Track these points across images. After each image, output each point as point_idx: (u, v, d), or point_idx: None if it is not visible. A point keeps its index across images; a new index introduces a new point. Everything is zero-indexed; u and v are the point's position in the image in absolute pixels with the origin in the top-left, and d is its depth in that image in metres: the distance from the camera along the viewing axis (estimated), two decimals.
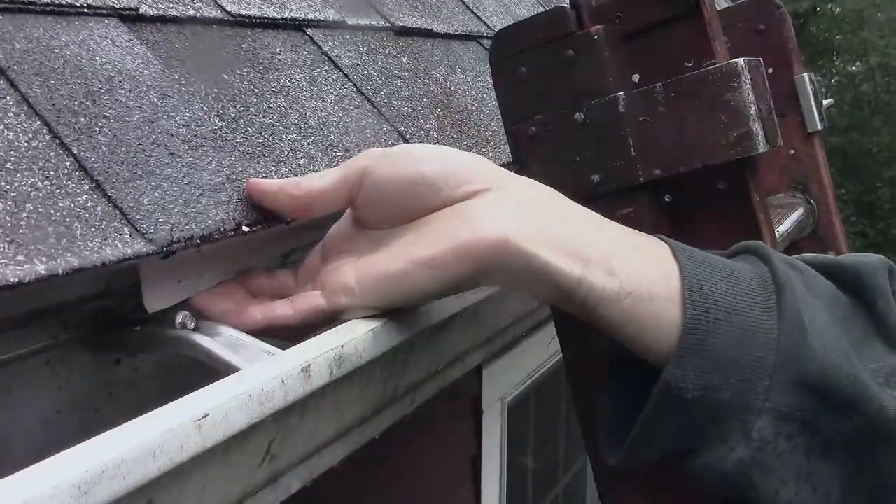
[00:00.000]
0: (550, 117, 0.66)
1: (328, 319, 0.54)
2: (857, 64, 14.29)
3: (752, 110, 0.61)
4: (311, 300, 0.55)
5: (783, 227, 1.05)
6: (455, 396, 1.60)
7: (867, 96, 13.90)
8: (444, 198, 0.52)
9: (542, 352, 1.86)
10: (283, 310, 0.55)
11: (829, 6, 14.69)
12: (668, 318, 0.49)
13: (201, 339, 0.53)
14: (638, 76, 0.66)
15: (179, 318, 0.54)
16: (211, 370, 0.52)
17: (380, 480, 1.36)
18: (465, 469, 1.76)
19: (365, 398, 0.57)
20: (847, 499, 0.50)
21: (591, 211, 0.54)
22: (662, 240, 0.53)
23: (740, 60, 0.61)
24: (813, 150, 1.16)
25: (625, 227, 0.54)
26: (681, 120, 0.63)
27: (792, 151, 1.16)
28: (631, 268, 0.50)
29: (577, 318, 0.52)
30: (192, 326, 0.54)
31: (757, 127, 0.61)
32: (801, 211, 1.15)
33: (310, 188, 0.57)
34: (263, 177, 0.62)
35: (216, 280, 0.60)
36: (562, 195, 0.55)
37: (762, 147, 0.61)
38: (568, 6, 0.66)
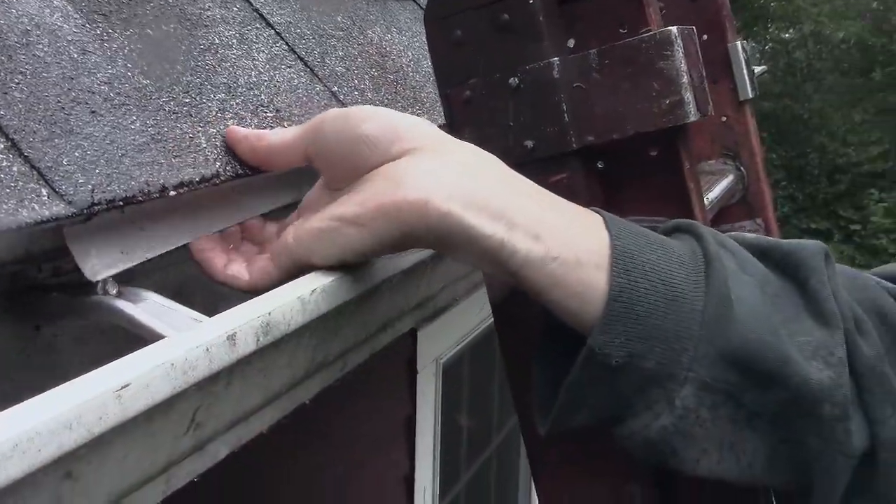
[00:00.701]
0: (485, 82, 0.66)
1: (278, 280, 0.54)
2: (791, 31, 14.52)
3: (685, 79, 0.61)
4: (261, 263, 0.56)
5: (713, 194, 1.07)
6: (389, 358, 1.60)
7: (800, 63, 14.15)
8: (380, 156, 0.52)
9: (476, 313, 1.87)
10: (242, 273, 0.57)
11: None
12: (594, 284, 0.49)
13: (124, 306, 0.52)
14: (573, 41, 0.66)
15: (101, 284, 0.53)
16: (136, 335, 0.51)
17: (312, 443, 1.36)
18: (400, 429, 1.77)
19: (294, 365, 0.56)
20: (770, 468, 0.51)
21: (527, 179, 0.54)
22: (597, 212, 0.53)
23: (673, 29, 0.61)
24: (744, 118, 1.17)
25: (560, 198, 0.54)
26: (614, 87, 0.63)
27: (724, 118, 1.17)
28: (559, 234, 0.50)
29: (509, 286, 0.52)
30: (115, 292, 0.53)
31: (689, 95, 0.61)
32: (731, 178, 1.16)
33: (270, 142, 0.61)
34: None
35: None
36: (500, 162, 0.54)
37: (693, 116, 0.62)
38: None
